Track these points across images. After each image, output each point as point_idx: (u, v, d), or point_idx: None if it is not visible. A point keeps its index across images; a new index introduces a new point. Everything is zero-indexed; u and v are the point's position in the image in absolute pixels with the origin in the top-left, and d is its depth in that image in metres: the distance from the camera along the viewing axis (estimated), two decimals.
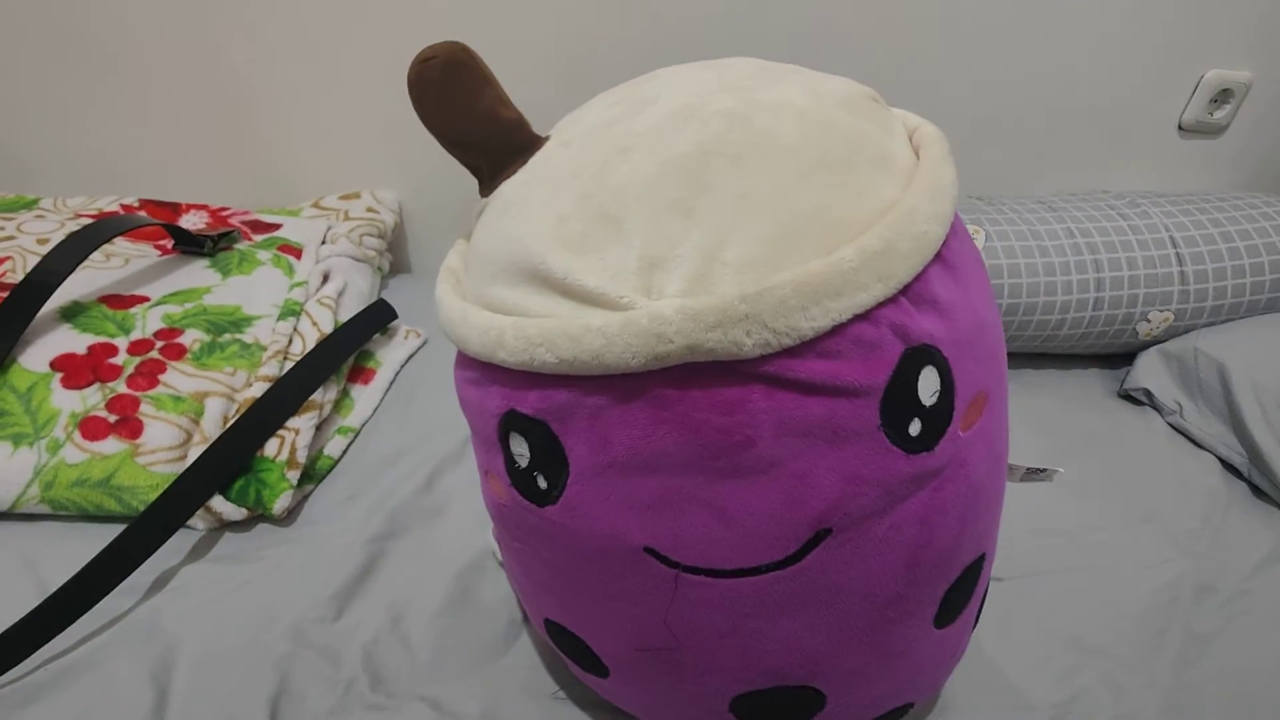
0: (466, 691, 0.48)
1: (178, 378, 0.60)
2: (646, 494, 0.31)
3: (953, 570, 0.35)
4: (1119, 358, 0.86)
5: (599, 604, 0.35)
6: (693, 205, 0.30)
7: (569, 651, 0.41)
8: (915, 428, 0.30)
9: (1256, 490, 0.69)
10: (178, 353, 0.61)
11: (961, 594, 0.37)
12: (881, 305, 0.29)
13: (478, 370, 0.35)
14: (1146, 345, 0.83)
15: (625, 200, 0.31)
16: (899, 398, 0.30)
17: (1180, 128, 0.93)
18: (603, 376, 0.29)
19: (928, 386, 0.30)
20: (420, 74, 0.34)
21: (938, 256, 0.31)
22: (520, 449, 0.33)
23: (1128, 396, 0.82)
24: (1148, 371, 0.81)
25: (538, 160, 0.36)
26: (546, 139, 0.37)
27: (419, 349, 0.79)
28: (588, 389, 0.30)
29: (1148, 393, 0.80)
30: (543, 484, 0.33)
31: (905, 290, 0.30)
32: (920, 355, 0.30)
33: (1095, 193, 0.88)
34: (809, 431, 0.29)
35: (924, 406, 0.30)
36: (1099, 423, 0.78)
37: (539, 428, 0.32)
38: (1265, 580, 0.58)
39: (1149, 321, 0.81)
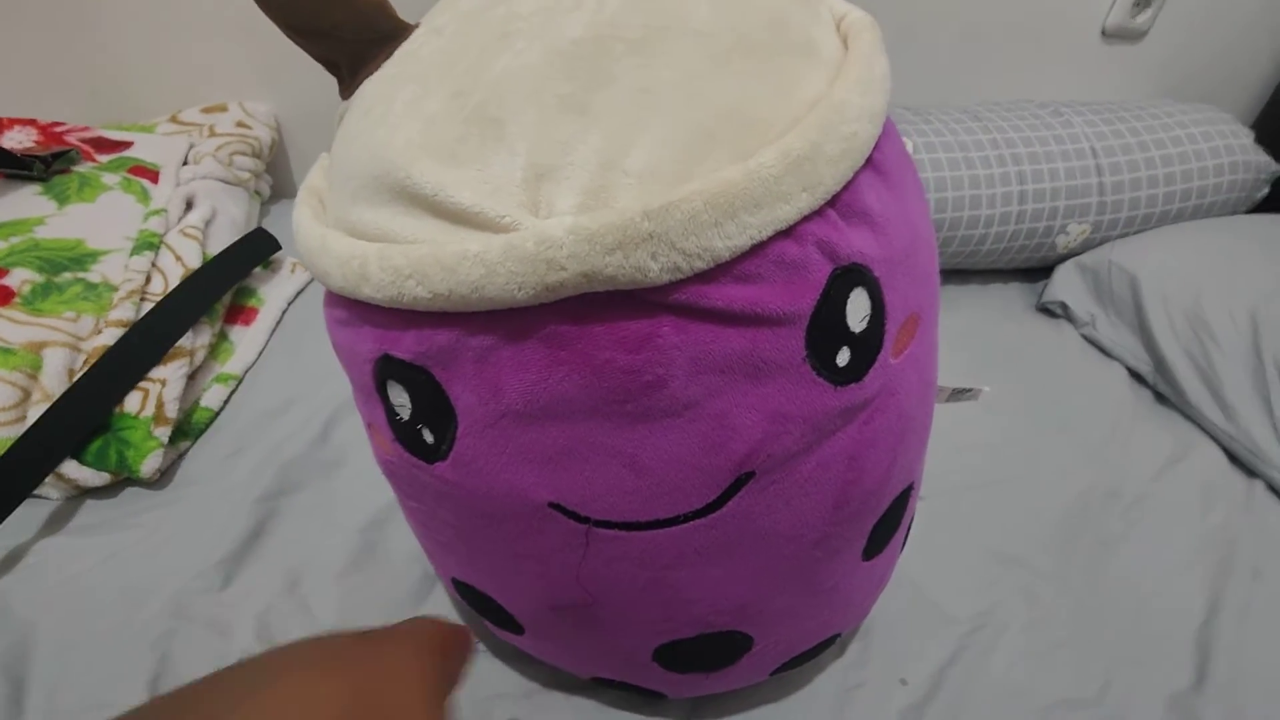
0: None
1: (5, 326, 0.51)
2: (547, 444, 0.27)
3: (882, 504, 0.33)
4: (1038, 271, 0.87)
5: (506, 563, 0.32)
6: (587, 101, 0.25)
7: (481, 609, 0.38)
8: (843, 357, 0.27)
9: (1160, 397, 0.71)
10: (3, 297, 0.52)
11: (889, 525, 0.35)
12: (806, 219, 0.25)
13: (346, 309, 0.29)
14: (1064, 258, 0.84)
15: (507, 97, 0.26)
16: (826, 325, 0.26)
17: (1104, 33, 0.91)
18: (488, 313, 0.25)
19: (857, 311, 0.27)
20: None
21: (869, 161, 0.28)
22: (400, 399, 0.29)
23: (1045, 309, 0.83)
24: (1064, 284, 0.82)
25: (404, 52, 0.30)
26: (416, 26, 0.31)
27: (308, 284, 0.71)
28: (471, 328, 0.26)
29: (1064, 305, 0.81)
30: (429, 438, 0.29)
31: (833, 201, 0.26)
32: (850, 276, 0.26)
33: (1020, 101, 0.86)
34: (727, 367, 0.25)
35: (853, 333, 0.27)
36: (1017, 336, 0.79)
37: (419, 374, 0.27)
38: (1164, 484, 0.61)
39: (1067, 234, 0.82)
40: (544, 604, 0.33)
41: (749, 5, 0.28)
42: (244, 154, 0.74)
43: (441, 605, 0.48)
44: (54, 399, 0.49)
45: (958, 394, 0.47)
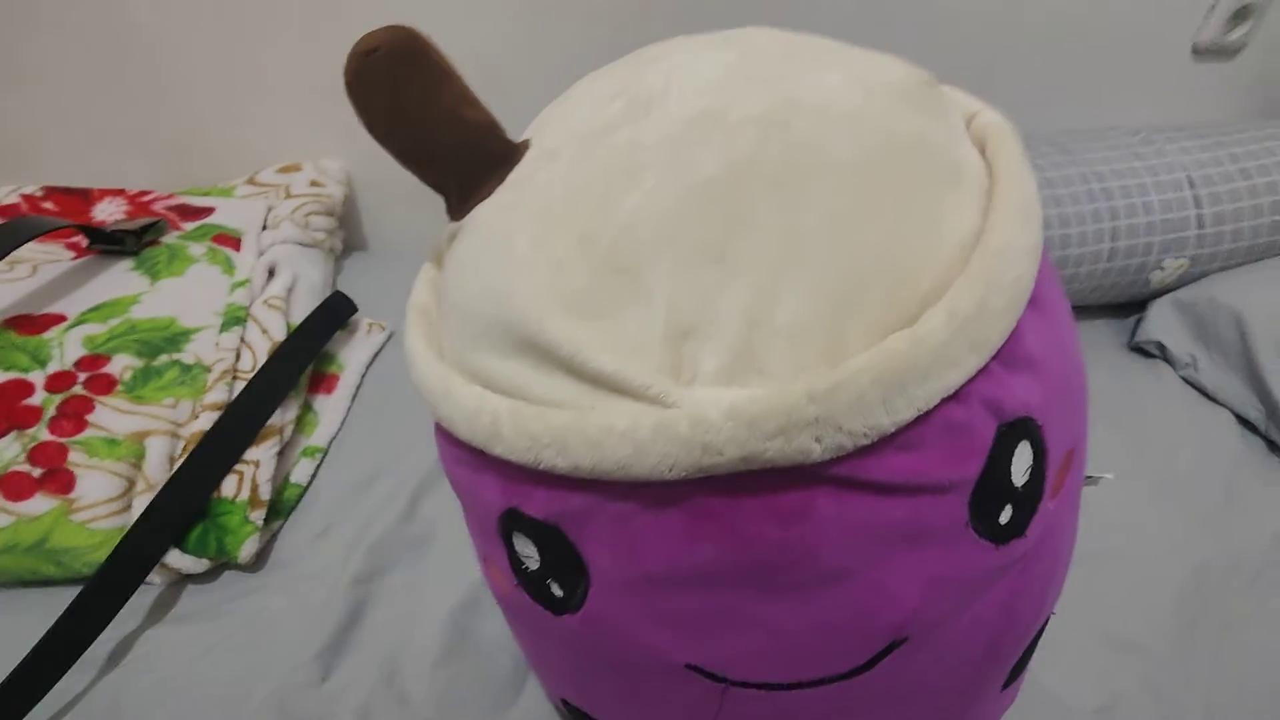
0: None
1: (109, 416, 0.52)
2: (687, 610, 0.25)
3: (1030, 638, 0.31)
4: (1128, 306, 0.82)
5: (630, 707, 0.31)
6: (726, 248, 0.24)
7: None
8: (1006, 515, 0.25)
9: (1273, 446, 0.67)
10: (106, 385, 0.53)
11: (1029, 652, 0.33)
12: (971, 379, 0.23)
13: (468, 452, 0.28)
14: (1158, 293, 0.80)
15: (641, 243, 0.24)
16: (990, 486, 0.24)
17: (1194, 51, 0.86)
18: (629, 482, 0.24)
19: (1021, 465, 0.25)
20: (361, 71, 0.26)
21: (1029, 300, 0.26)
22: (527, 550, 0.28)
23: (1139, 349, 0.79)
24: (1160, 323, 0.77)
25: (520, 177, 0.29)
26: (525, 145, 0.30)
27: (384, 344, 0.71)
28: (610, 494, 0.24)
29: (1160, 345, 0.76)
30: (558, 591, 0.28)
31: (997, 354, 0.24)
32: (1015, 431, 0.25)
33: (1107, 129, 0.82)
34: (884, 536, 0.24)
35: (1016, 490, 0.25)
36: (1109, 380, 0.74)
37: (550, 531, 0.26)
38: None
39: (1163, 270, 0.77)
40: None
41: (893, 133, 0.26)
42: (319, 213, 0.75)
43: (536, 696, 0.47)
44: (156, 488, 0.49)
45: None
